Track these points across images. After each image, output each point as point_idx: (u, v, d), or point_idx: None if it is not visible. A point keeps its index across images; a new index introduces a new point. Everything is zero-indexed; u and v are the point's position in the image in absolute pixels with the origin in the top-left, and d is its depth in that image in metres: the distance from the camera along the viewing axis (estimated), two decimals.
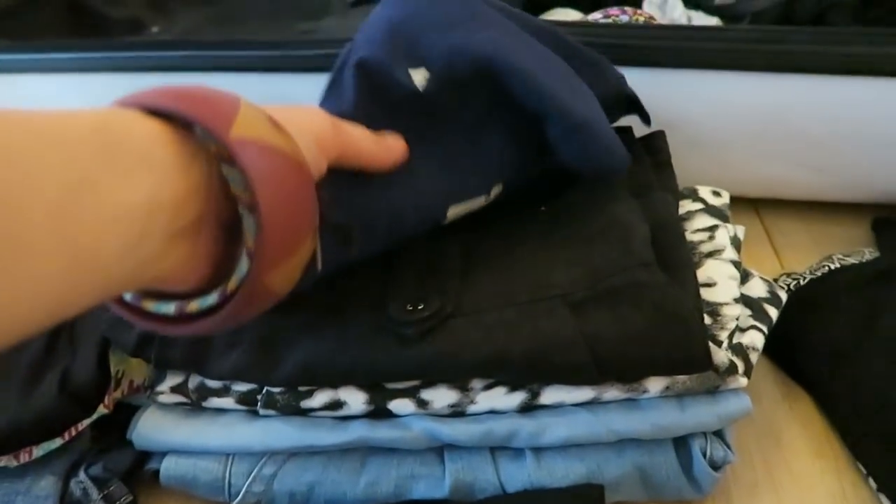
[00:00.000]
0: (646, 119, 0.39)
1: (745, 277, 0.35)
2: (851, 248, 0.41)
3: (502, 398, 0.29)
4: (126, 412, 0.31)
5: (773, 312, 0.33)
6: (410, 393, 0.29)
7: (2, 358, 0.31)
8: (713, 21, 0.60)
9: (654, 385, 0.29)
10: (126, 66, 0.49)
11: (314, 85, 0.45)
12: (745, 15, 0.62)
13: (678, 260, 0.31)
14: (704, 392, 0.29)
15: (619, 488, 0.29)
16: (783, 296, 0.34)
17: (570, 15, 0.56)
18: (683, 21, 0.59)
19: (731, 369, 0.29)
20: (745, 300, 0.33)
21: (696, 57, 0.39)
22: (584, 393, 0.29)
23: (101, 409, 0.30)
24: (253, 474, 0.29)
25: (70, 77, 0.50)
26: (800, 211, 0.46)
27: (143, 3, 0.77)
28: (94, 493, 0.29)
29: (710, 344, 0.29)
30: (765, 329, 0.32)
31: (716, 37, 0.40)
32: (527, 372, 0.29)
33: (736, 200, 0.43)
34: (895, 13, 0.59)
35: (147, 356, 0.30)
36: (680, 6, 0.61)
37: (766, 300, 0.34)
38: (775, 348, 0.35)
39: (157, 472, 0.30)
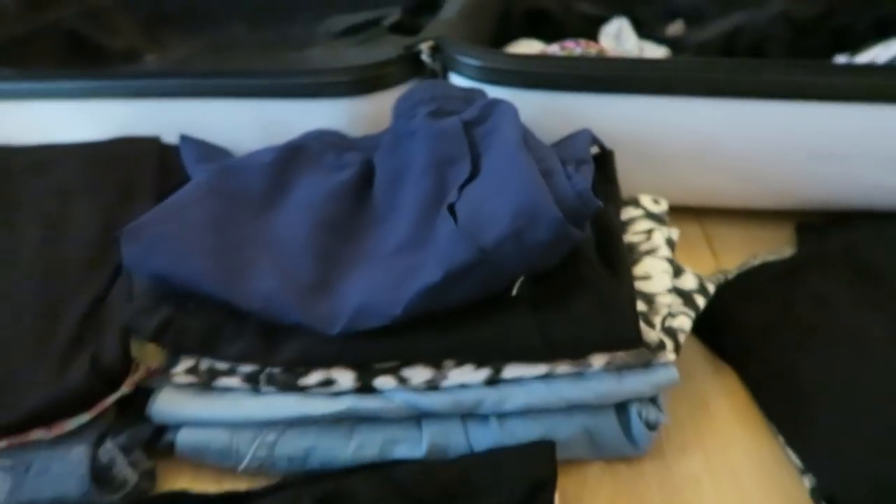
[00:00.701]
0: (601, 146, 0.45)
1: (679, 272, 0.40)
2: (777, 249, 0.47)
3: (470, 374, 0.34)
4: (142, 394, 0.36)
5: (702, 301, 0.39)
6: (392, 371, 0.34)
7: (33, 342, 0.36)
8: (662, 51, 0.67)
9: (598, 360, 0.34)
10: (129, 92, 0.53)
11: (304, 110, 0.51)
12: (692, 46, 0.69)
13: (617, 258, 0.37)
14: (640, 365, 0.35)
15: (570, 447, 0.34)
16: (711, 288, 0.40)
17: (534, 46, 0.62)
18: (636, 51, 0.66)
19: (662, 346, 0.35)
20: (677, 291, 0.39)
21: (639, 84, 0.45)
22: (540, 368, 0.34)
23: (124, 389, 0.34)
24: (257, 442, 0.34)
25: (73, 103, 0.55)
26: (735, 218, 0.52)
27: (138, 34, 0.83)
28: (121, 459, 0.33)
29: (644, 325, 0.34)
30: (693, 315, 0.38)
31: (655, 67, 0.46)
32: (490, 354, 0.34)
33: (680, 210, 0.49)
34: (825, 42, 0.66)
35: (164, 342, 0.35)
36: (633, 37, 0.68)
37: (696, 291, 0.39)
38: (706, 331, 0.40)
39: (172, 444, 0.35)
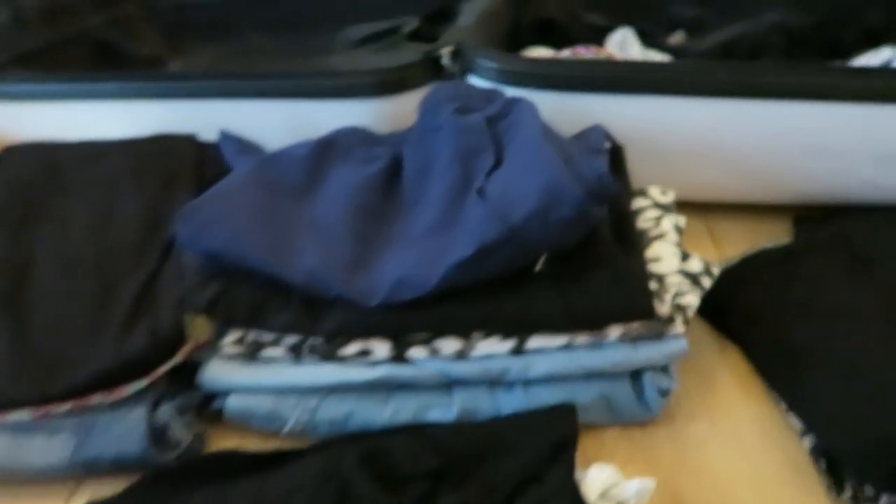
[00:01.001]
0: (612, 141, 0.48)
1: (686, 257, 0.43)
2: (776, 241, 0.50)
3: (497, 345, 0.37)
4: (189, 366, 0.39)
5: (707, 282, 0.42)
6: (425, 342, 0.37)
7: (92, 314, 0.39)
8: (665, 59, 0.71)
9: (614, 331, 0.37)
10: (166, 93, 0.57)
11: (331, 110, 0.54)
12: (693, 54, 0.72)
13: (630, 240, 0.40)
14: (653, 337, 0.37)
15: (588, 412, 0.37)
16: (716, 271, 0.43)
17: (544, 53, 0.66)
18: (641, 59, 0.69)
19: (672, 320, 0.38)
20: (685, 273, 0.42)
21: (647, 85, 0.49)
22: (561, 339, 0.37)
23: (177, 358, 0.37)
24: (299, 407, 0.37)
25: (113, 104, 0.58)
26: (736, 213, 0.55)
27: (161, 43, 0.86)
28: (175, 422, 0.36)
29: (655, 299, 0.37)
30: (699, 294, 0.41)
31: (661, 69, 0.50)
32: (516, 325, 0.37)
33: (683, 205, 0.52)
34: (818, 50, 0.70)
35: (215, 314, 0.37)
36: (637, 46, 0.71)
37: (702, 274, 0.42)
38: (711, 312, 0.43)
39: (220, 410, 0.38)
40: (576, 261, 0.38)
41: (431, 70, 0.54)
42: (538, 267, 0.37)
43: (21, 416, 0.35)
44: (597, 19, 0.75)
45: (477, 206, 0.37)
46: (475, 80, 0.52)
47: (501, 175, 0.39)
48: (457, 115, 0.44)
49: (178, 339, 0.37)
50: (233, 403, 0.38)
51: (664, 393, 0.38)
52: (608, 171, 0.37)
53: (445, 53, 0.54)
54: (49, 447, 0.35)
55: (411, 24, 0.72)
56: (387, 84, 0.53)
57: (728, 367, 0.42)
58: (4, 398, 0.35)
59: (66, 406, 0.35)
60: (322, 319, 0.37)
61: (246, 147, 0.50)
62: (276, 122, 0.55)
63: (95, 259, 0.43)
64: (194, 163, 0.51)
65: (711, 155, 0.51)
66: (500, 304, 0.37)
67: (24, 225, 0.45)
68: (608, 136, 0.47)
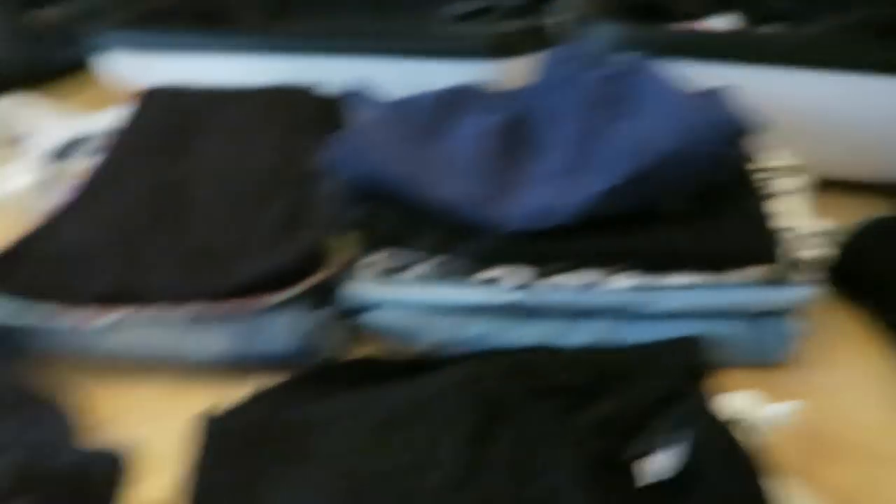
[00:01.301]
0: None
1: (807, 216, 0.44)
2: None
3: (626, 280, 0.39)
4: (331, 285, 0.41)
5: (829, 241, 0.43)
6: (559, 272, 0.39)
7: (246, 228, 0.42)
8: None
9: (740, 273, 0.38)
10: (288, 48, 0.60)
11: (444, 71, 0.56)
12: None
13: (754, 188, 0.41)
14: (778, 282, 0.38)
15: (714, 351, 0.38)
16: (839, 230, 0.44)
17: None
18: None
19: (798, 266, 0.39)
20: (808, 230, 0.43)
21: (765, 55, 0.49)
22: (688, 277, 0.38)
23: (324, 272, 0.40)
24: (437, 325, 0.39)
25: (236, 57, 0.61)
26: (838, 191, 0.55)
27: (262, 18, 0.90)
28: (320, 328, 0.38)
29: (782, 245, 0.38)
30: (825, 248, 0.42)
31: (784, 40, 0.51)
32: (647, 261, 0.39)
33: None
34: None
35: (363, 233, 0.40)
36: None
37: (824, 232, 0.43)
38: (837, 277, 0.44)
39: (358, 325, 0.40)
40: (706, 203, 0.39)
41: (543, 37, 0.56)
42: (670, 207, 0.39)
43: (184, 312, 0.38)
44: (694, 9, 0.76)
45: (616, 145, 0.39)
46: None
47: (639, 119, 0.40)
48: (583, 70, 0.46)
49: (326, 254, 0.40)
50: (373, 318, 0.40)
51: (790, 338, 0.38)
52: (741, 115, 0.38)
53: (561, 21, 0.56)
54: (208, 341, 0.38)
55: (509, 2, 0.75)
56: (501, 46, 0.55)
57: (846, 323, 0.42)
58: (172, 295, 0.38)
59: (224, 307, 0.38)
60: (464, 243, 0.39)
61: (371, 99, 0.52)
62: (391, 81, 0.57)
63: (239, 187, 0.46)
64: (313, 110, 0.54)
65: (830, 130, 0.51)
66: (633, 239, 0.38)
67: (173, 154, 0.48)
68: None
